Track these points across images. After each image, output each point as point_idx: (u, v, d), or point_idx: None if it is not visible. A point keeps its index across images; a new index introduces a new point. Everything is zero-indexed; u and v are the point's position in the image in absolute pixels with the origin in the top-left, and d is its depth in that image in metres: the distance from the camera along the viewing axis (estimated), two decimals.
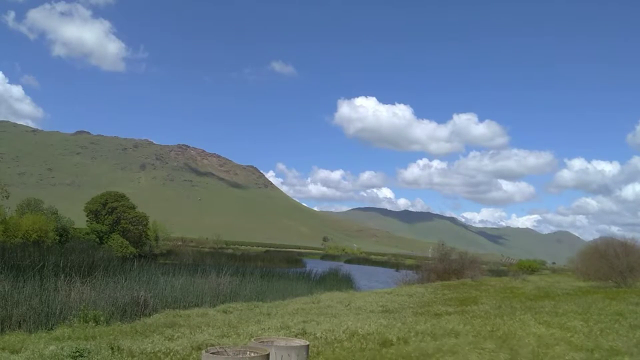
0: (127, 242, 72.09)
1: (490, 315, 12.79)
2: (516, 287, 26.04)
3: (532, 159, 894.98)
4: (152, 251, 78.81)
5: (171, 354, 8.19)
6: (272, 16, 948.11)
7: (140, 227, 76.09)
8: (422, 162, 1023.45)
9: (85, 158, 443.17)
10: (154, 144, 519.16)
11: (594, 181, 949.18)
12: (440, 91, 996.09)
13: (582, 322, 11.24)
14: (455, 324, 11.09)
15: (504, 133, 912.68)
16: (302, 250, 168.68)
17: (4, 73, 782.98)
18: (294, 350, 4.49)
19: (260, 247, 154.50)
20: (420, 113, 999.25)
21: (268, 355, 4.23)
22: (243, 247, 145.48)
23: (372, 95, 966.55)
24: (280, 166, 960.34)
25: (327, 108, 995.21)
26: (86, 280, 16.89)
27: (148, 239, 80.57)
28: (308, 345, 4.81)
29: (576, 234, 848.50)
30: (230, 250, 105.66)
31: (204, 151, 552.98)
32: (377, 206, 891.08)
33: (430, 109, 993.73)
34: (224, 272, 23.63)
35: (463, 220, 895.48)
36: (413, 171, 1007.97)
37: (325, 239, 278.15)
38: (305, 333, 10.18)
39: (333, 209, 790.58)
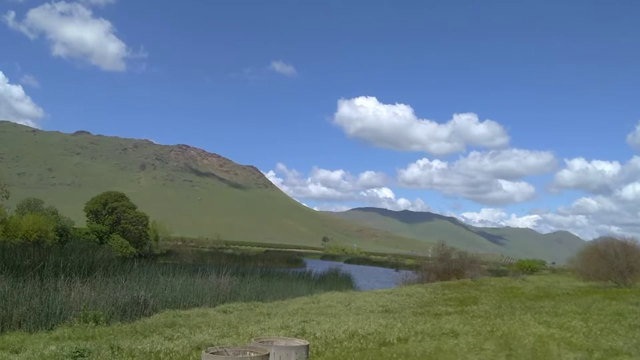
0: (127, 242, 72.05)
1: (490, 316, 12.80)
2: (516, 287, 26.07)
3: (532, 159, 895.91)
4: (152, 251, 78.66)
5: (171, 354, 8.20)
6: (272, 16, 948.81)
7: (140, 227, 76.08)
8: (422, 162, 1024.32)
9: (85, 158, 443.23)
10: (154, 144, 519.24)
11: (594, 181, 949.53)
12: (440, 91, 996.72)
13: (582, 322, 11.25)
14: (455, 324, 11.10)
15: (504, 133, 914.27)
16: (302, 250, 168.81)
17: (4, 73, 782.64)
18: (293, 350, 4.50)
19: (260, 247, 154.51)
20: (421, 113, 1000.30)
21: (268, 355, 4.24)
22: (243, 247, 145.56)
23: (372, 95, 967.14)
24: (280, 166, 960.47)
25: (327, 108, 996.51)
26: (86, 280, 16.85)
27: (148, 239, 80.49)
28: (308, 345, 4.82)
29: (576, 234, 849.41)
30: (230, 250, 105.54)
31: (204, 151, 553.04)
32: (377, 206, 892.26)
33: (430, 109, 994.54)
34: (223, 272, 23.55)
35: (463, 220, 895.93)
36: (413, 171, 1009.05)
37: (325, 239, 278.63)
38: (305, 333, 10.18)
39: (333, 209, 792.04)
